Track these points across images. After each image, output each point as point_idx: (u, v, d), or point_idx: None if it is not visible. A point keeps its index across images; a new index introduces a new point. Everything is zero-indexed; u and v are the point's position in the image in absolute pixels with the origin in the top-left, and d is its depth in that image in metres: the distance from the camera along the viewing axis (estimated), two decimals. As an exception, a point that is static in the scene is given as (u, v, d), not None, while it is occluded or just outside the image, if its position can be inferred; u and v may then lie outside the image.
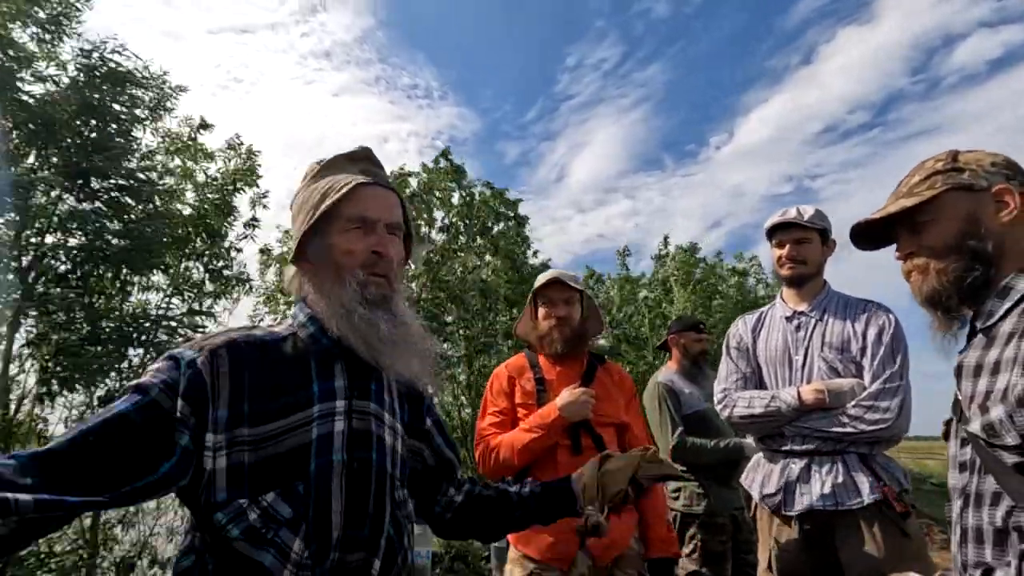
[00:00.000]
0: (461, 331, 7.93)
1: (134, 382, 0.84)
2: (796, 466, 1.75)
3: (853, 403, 1.69)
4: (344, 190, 0.98)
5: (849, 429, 1.67)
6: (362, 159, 1.08)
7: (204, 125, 6.55)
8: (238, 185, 6.39)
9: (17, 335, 4.30)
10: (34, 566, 3.71)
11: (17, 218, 4.15)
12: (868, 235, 1.17)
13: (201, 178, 6.40)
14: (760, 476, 1.86)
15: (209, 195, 6.17)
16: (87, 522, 4.64)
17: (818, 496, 1.68)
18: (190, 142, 6.41)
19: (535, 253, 9.57)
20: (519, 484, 1.24)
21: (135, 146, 5.19)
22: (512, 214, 9.13)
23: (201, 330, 5.44)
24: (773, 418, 1.79)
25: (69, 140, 4.48)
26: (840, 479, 1.67)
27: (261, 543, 0.82)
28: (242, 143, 6.66)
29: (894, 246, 1.12)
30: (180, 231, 5.64)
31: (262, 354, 0.93)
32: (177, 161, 6.35)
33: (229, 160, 6.57)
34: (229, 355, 0.88)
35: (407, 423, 1.09)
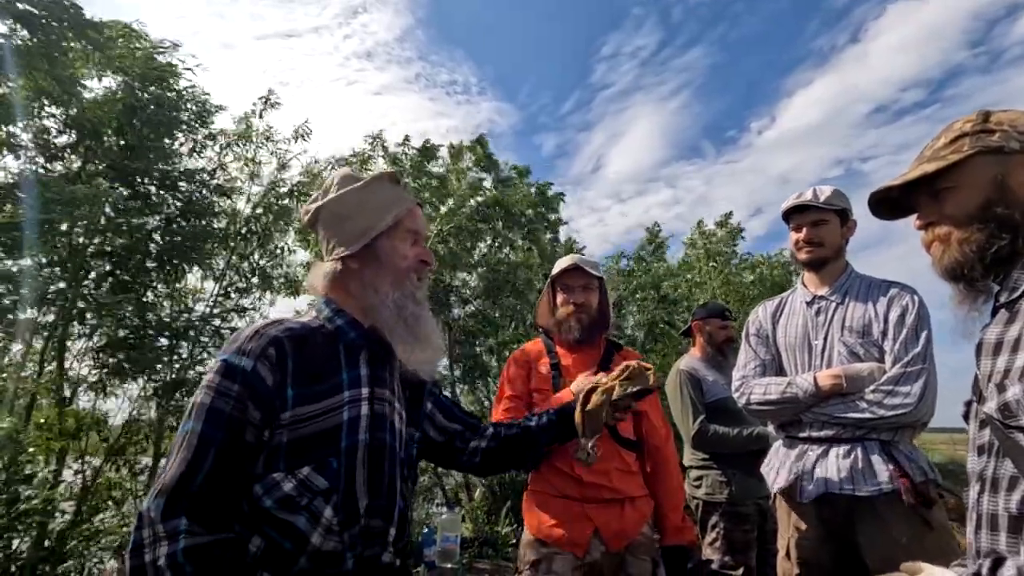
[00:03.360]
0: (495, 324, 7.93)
1: (202, 400, 0.95)
2: (813, 453, 1.72)
3: (872, 388, 1.63)
4: (410, 207, 1.19)
5: (867, 415, 1.62)
6: (397, 181, 1.25)
7: (271, 103, 6.00)
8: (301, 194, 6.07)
9: (71, 330, 4.58)
10: (85, 542, 3.98)
11: (77, 228, 4.41)
12: (889, 204, 1.10)
13: (264, 173, 6.13)
14: (777, 463, 1.83)
15: (269, 195, 5.97)
16: (138, 501, 4.93)
17: (834, 481, 1.64)
18: (254, 119, 6.01)
19: (564, 241, 9.38)
20: (537, 416, 1.49)
21: (177, 146, 5.33)
22: (539, 200, 8.89)
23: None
24: (790, 404, 1.75)
25: (114, 140, 4.71)
26: (859, 465, 1.62)
27: (295, 509, 0.94)
28: (311, 131, 6.26)
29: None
30: (231, 228, 5.81)
31: (300, 344, 1.03)
32: (231, 155, 6.00)
33: (290, 152, 6.20)
34: (277, 352, 0.99)
35: (409, 409, 1.22)
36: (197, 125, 5.52)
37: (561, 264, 2.05)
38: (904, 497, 1.56)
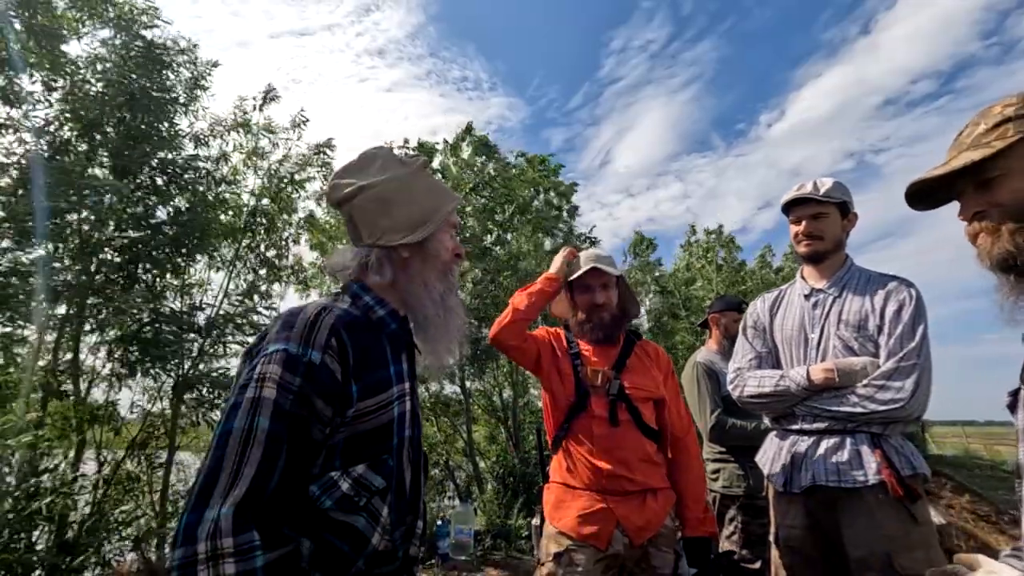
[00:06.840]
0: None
1: (264, 394, 0.84)
2: (803, 444, 1.73)
3: (864, 382, 1.64)
4: (458, 201, 1.18)
5: (859, 409, 1.62)
6: (432, 170, 1.23)
7: (271, 96, 5.95)
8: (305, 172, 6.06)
9: (84, 322, 4.62)
10: (106, 532, 4.04)
11: (91, 217, 4.45)
12: (926, 194, 1.05)
13: (264, 164, 6.08)
14: (770, 453, 1.85)
15: (273, 184, 5.94)
16: (156, 495, 5.00)
17: (821, 472, 1.65)
18: (253, 112, 5.97)
19: (573, 233, 9.33)
20: None
21: (178, 133, 5.30)
22: (550, 181, 8.82)
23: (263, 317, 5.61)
24: (782, 397, 1.76)
25: (113, 130, 4.72)
26: (845, 456, 1.63)
27: (354, 510, 0.90)
28: (307, 120, 6.19)
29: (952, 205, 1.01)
30: (235, 220, 5.82)
31: (355, 335, 0.97)
32: (231, 143, 5.96)
33: (290, 142, 6.19)
34: (338, 343, 0.92)
35: None
36: (194, 92, 5.41)
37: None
38: (894, 490, 1.56)
